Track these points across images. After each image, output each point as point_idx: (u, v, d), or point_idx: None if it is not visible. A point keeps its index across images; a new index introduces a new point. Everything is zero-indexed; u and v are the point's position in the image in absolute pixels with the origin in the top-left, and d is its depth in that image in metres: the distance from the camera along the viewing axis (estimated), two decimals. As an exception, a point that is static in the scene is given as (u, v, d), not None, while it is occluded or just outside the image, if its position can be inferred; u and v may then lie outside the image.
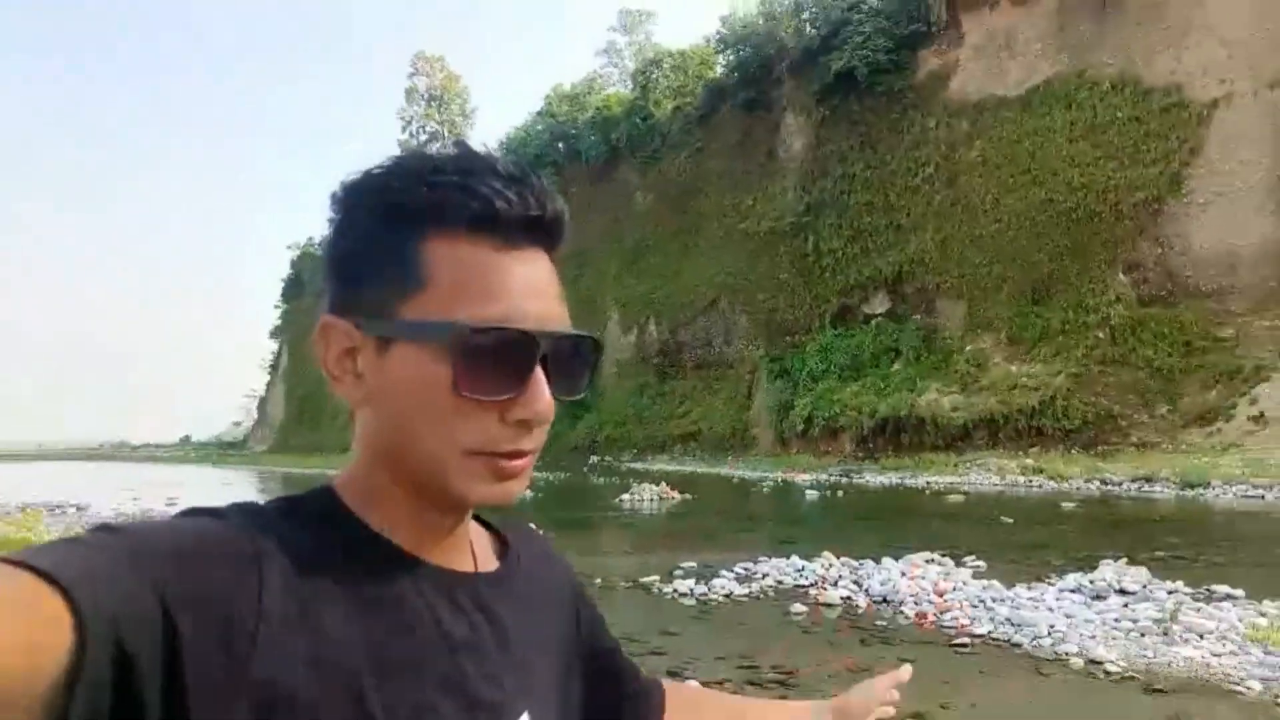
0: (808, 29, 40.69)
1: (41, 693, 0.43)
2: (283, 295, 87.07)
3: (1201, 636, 6.16)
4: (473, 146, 0.62)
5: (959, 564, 9.10)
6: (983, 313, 30.28)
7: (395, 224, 0.60)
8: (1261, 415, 21.68)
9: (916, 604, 7.51)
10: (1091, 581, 7.78)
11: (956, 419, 27.63)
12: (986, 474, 23.28)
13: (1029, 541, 11.34)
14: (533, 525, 0.84)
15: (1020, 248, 29.94)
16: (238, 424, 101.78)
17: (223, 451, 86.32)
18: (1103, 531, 12.91)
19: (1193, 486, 17.93)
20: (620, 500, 18.90)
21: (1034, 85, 31.76)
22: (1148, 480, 19.23)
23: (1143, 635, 6.37)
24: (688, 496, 19.54)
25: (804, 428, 32.78)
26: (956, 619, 6.93)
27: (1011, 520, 13.85)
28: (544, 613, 0.73)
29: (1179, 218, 26.68)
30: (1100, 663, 5.81)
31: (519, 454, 0.61)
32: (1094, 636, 6.33)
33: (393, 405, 0.60)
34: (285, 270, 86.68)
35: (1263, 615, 6.68)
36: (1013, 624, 6.71)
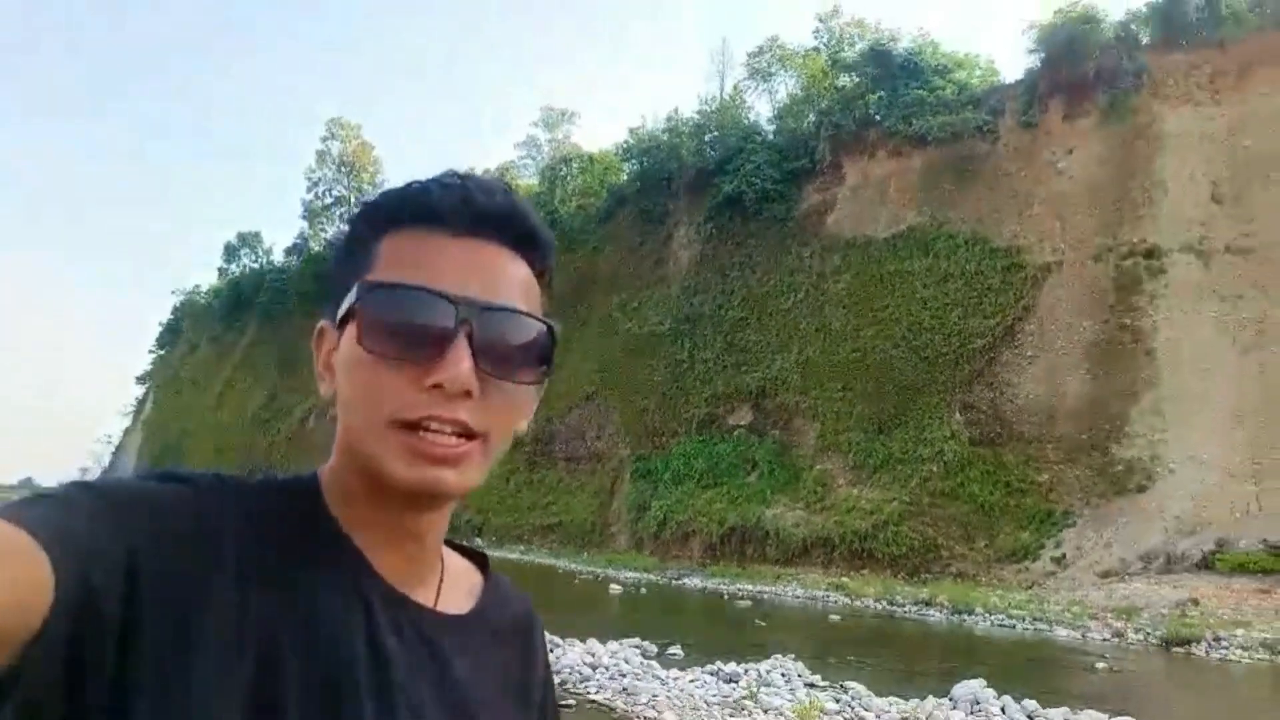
0: (706, 150, 43.24)
1: (16, 650, 0.44)
2: (158, 341, 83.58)
3: (765, 711, 8.11)
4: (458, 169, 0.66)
5: (661, 652, 11.06)
6: (833, 435, 31.75)
7: (361, 225, 0.65)
8: (1063, 558, 23.30)
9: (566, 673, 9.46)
10: (740, 669, 9.93)
11: (796, 534, 28.58)
12: (793, 586, 24.38)
13: (748, 640, 12.79)
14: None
15: (872, 378, 31.79)
16: (84, 470, 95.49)
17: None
18: (835, 638, 14.70)
19: (959, 612, 19.52)
20: None
21: (899, 231, 34.41)
22: (927, 604, 20.64)
23: (722, 707, 8.32)
24: None
25: (657, 529, 33.20)
26: (587, 686, 9.00)
27: (764, 624, 15.62)
28: (500, 678, 0.70)
29: (1010, 367, 28.97)
30: (659, 721, 7.59)
31: (439, 424, 0.59)
32: (678, 705, 8.34)
33: (339, 384, 0.62)
34: (165, 316, 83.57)
35: (835, 701, 8.69)
36: (627, 692, 8.73)
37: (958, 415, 29.12)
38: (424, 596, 0.66)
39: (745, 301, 37.77)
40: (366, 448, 0.60)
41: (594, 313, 44.69)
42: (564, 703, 8.16)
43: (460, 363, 0.59)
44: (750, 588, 23.96)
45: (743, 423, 35.40)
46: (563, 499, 40.44)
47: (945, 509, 26.97)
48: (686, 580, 26.25)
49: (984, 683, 9.21)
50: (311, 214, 65.72)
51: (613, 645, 10.93)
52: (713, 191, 40.48)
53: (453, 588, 0.69)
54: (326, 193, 65.85)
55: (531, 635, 0.77)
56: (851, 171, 37.38)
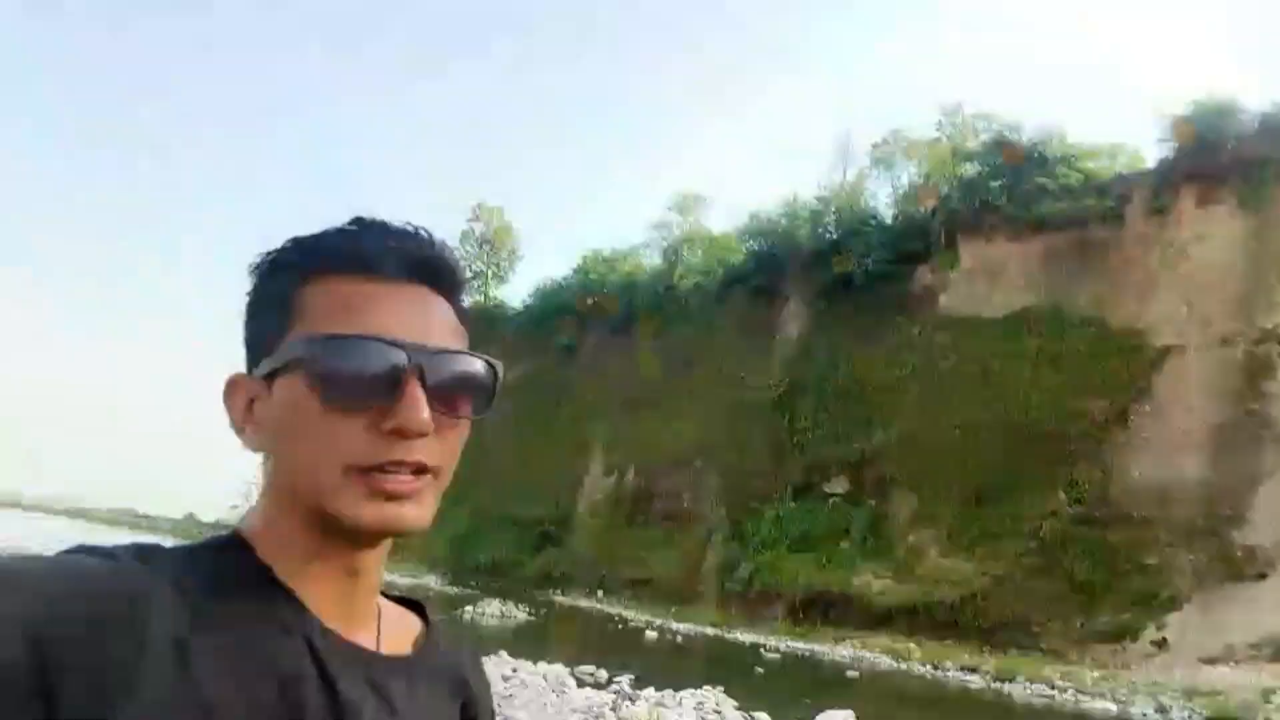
0: (823, 234, 44.14)
1: None
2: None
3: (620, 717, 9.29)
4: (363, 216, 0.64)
5: (610, 678, 12.64)
6: (930, 508, 30.88)
7: (279, 276, 0.63)
8: (1164, 642, 21.66)
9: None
10: (658, 693, 11.04)
11: (881, 601, 27.73)
12: (844, 647, 24.99)
13: (718, 678, 13.20)
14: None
15: (973, 453, 30.93)
16: (235, 507, 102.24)
17: (216, 532, 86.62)
18: (820, 687, 15.82)
19: (1000, 680, 20.01)
20: (462, 612, 22.72)
21: (1013, 312, 33.90)
22: (972, 670, 21.14)
23: (584, 714, 9.34)
24: (531, 617, 23.74)
25: (743, 589, 32.85)
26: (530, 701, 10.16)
27: (762, 671, 16.99)
28: (445, 715, 0.71)
29: (1121, 449, 27.65)
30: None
31: (397, 466, 0.60)
32: (537, 708, 9.42)
33: (278, 436, 0.61)
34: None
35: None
36: (510, 698, 9.47)
37: (1061, 494, 27.86)
38: (366, 640, 0.65)
39: (850, 374, 37.75)
40: (322, 493, 0.59)
41: (702, 384, 45.53)
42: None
43: (417, 406, 0.59)
44: (800, 645, 24.32)
45: (839, 491, 34.92)
46: (657, 554, 40.53)
47: (1039, 585, 25.60)
48: (739, 635, 26.38)
49: (851, 714, 10.21)
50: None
51: (543, 666, 12.04)
52: (825, 271, 41.19)
53: (392, 631, 0.69)
54: (468, 267, 70.48)
55: (478, 677, 0.77)
56: (967, 254, 37.27)
